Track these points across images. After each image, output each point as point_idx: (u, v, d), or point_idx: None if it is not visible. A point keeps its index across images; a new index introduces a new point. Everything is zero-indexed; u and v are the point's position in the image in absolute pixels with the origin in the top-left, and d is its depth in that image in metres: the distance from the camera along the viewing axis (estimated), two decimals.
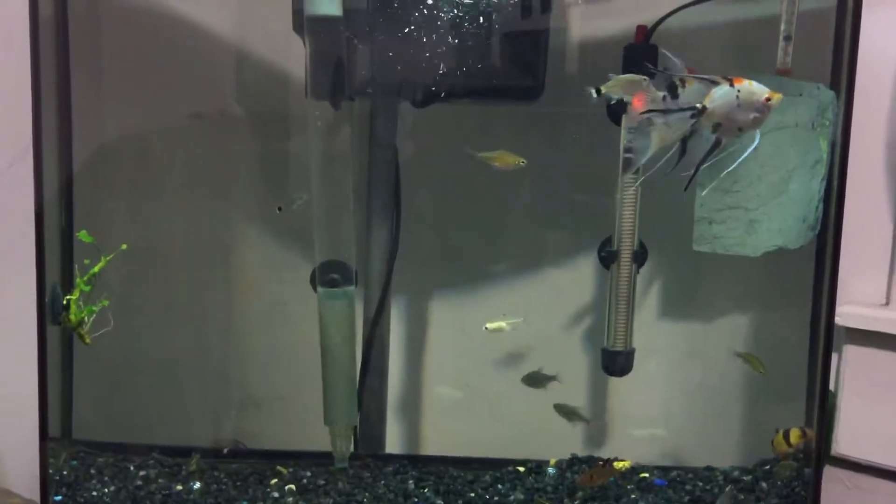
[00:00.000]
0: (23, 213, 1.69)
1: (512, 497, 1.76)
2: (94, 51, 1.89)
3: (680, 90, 1.34)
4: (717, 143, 1.39)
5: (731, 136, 1.38)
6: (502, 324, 1.80)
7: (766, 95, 1.35)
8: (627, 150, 1.65)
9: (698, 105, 1.34)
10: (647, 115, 1.38)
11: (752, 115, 1.35)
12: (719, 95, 1.34)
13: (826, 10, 1.69)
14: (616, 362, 1.83)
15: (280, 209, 1.65)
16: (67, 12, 1.78)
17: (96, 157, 1.89)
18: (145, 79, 1.92)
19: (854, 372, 1.82)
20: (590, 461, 1.87)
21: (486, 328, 1.80)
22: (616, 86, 1.48)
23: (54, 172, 1.75)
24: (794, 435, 1.74)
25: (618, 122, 1.72)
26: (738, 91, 1.34)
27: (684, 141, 1.37)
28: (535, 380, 1.86)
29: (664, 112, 1.35)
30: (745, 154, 1.40)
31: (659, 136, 1.36)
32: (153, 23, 1.88)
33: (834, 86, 1.68)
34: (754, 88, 1.35)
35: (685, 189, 1.46)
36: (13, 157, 1.81)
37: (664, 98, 1.34)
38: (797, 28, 1.64)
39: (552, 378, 1.85)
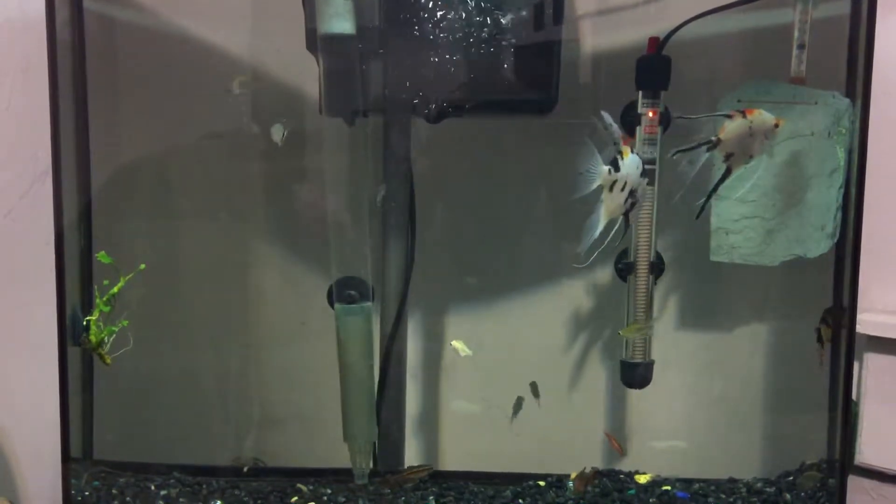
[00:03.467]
0: (43, 236, 1.71)
1: None
2: (110, 73, 1.91)
3: (620, 162, 1.42)
4: (727, 172, 1.51)
5: (742, 163, 1.51)
6: (458, 346, 1.84)
7: (775, 121, 1.47)
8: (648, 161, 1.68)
9: (713, 138, 1.45)
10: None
11: (761, 142, 1.47)
12: (733, 127, 1.45)
13: (840, 18, 1.69)
14: (635, 374, 1.82)
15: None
16: (84, 37, 1.80)
17: (114, 179, 1.91)
18: (161, 100, 1.93)
19: (876, 380, 1.80)
20: (611, 474, 1.86)
21: (451, 344, 1.87)
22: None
23: (73, 195, 1.77)
24: (827, 321, 1.74)
25: (632, 134, 1.72)
26: (752, 121, 1.45)
27: (626, 214, 1.47)
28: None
29: (687, 150, 1.47)
30: (753, 179, 1.57)
31: (607, 209, 1.45)
32: (169, 45, 1.90)
33: (849, 93, 1.67)
34: (765, 117, 1.46)
35: (697, 217, 1.58)
36: (32, 180, 1.82)
37: (609, 171, 1.42)
38: (811, 36, 1.64)
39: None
